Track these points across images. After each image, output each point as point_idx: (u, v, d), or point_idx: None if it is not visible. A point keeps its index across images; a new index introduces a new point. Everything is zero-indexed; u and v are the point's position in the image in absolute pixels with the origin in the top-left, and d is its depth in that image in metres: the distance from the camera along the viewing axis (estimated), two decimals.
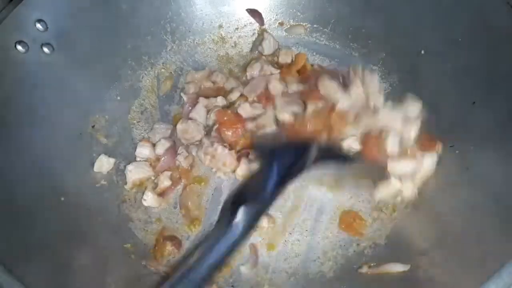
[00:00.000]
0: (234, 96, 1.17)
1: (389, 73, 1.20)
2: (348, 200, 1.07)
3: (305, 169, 0.89)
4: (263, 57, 1.27)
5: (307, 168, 0.89)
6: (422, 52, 1.09)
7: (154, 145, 1.13)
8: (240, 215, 0.74)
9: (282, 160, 0.86)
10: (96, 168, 1.08)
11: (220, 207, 1.07)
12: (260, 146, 1.03)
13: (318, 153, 0.91)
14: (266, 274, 0.99)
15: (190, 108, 1.17)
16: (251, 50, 1.31)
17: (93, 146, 1.10)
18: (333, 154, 0.97)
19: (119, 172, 1.11)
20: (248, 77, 1.22)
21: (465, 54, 0.98)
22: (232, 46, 1.32)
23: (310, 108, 1.01)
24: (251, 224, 0.76)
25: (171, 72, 1.27)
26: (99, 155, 1.09)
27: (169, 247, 1.01)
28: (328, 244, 1.03)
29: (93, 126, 1.11)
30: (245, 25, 1.32)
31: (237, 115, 1.10)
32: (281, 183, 0.84)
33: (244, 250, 1.02)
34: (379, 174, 1.00)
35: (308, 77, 1.15)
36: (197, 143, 1.13)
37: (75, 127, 1.08)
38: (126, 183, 1.09)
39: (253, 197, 0.79)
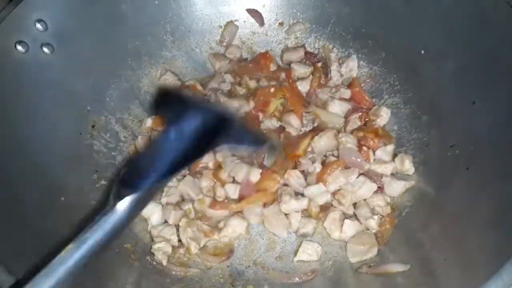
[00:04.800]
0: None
1: (389, 73, 1.20)
2: None
3: (215, 145, 0.76)
4: None
5: (218, 144, 0.76)
6: (422, 52, 1.09)
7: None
8: (127, 202, 0.62)
9: (193, 126, 0.71)
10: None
11: None
12: (170, 102, 0.84)
13: (234, 130, 0.78)
14: (266, 274, 0.99)
15: None
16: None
17: (93, 146, 1.10)
18: (249, 136, 0.84)
19: (119, 171, 1.11)
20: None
21: (465, 54, 0.98)
22: None
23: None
24: (134, 212, 0.64)
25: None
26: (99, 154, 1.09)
27: None
28: (328, 244, 1.03)
29: (93, 126, 1.11)
30: (245, 25, 1.32)
31: None
32: (184, 160, 0.69)
33: (243, 248, 1.03)
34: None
35: None
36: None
37: (75, 127, 1.08)
38: None
39: (146, 176, 0.65)
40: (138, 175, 0.65)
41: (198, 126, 0.72)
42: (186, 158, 0.70)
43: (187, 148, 0.70)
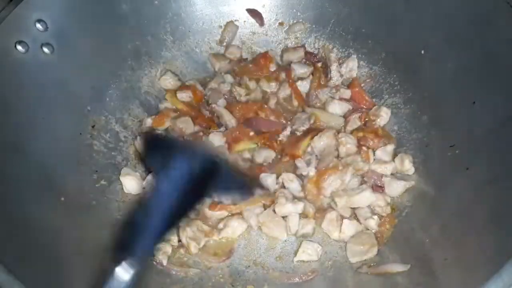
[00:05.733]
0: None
1: (389, 73, 1.20)
2: None
3: (206, 194, 0.74)
4: None
5: (209, 194, 0.75)
6: (422, 52, 1.09)
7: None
8: (124, 266, 0.63)
9: (183, 177, 0.68)
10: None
11: None
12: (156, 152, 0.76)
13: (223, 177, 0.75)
14: (266, 274, 0.99)
15: None
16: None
17: (93, 146, 1.10)
18: (238, 183, 0.82)
19: (119, 171, 1.11)
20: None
21: (465, 54, 0.98)
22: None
23: None
24: (134, 276, 0.64)
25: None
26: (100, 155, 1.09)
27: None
28: (328, 244, 1.03)
29: (93, 126, 1.11)
30: (245, 25, 1.32)
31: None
32: (178, 215, 0.68)
33: (243, 248, 1.03)
34: None
35: None
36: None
37: (75, 127, 1.08)
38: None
39: (141, 238, 0.64)
40: (133, 237, 0.63)
41: (188, 175, 0.68)
42: (179, 212, 0.68)
43: (179, 202, 0.67)
